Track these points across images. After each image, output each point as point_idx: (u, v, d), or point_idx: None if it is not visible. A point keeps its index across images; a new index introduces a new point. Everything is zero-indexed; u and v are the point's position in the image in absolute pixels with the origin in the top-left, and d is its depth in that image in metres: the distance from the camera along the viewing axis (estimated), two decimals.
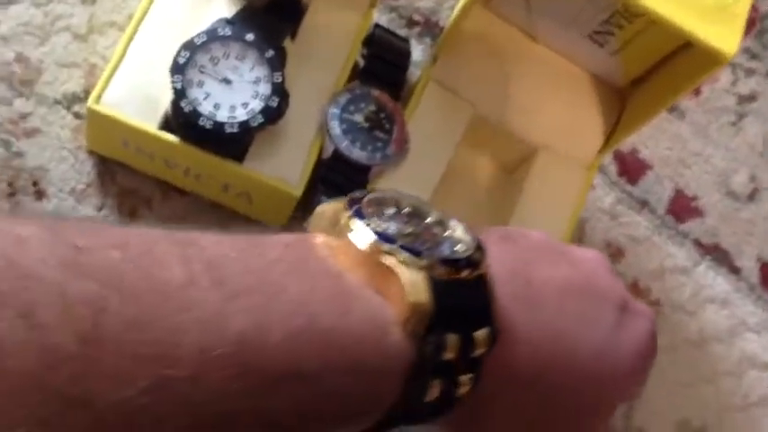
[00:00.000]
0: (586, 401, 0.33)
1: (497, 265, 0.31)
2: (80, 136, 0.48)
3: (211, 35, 0.43)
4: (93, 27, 0.50)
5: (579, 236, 0.56)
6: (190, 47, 0.43)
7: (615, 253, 0.58)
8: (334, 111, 0.46)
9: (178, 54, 0.43)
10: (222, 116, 0.43)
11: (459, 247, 0.30)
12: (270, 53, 0.44)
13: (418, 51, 0.56)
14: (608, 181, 0.59)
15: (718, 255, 0.60)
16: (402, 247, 0.29)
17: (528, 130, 0.51)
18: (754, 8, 0.64)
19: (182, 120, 0.43)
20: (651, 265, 0.58)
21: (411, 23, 0.58)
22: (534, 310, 0.32)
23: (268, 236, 0.29)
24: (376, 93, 0.47)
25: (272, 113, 0.43)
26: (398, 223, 0.30)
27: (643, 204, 0.59)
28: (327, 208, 0.32)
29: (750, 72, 0.66)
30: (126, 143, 0.45)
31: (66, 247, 0.23)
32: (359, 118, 0.47)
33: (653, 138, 0.61)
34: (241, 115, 0.43)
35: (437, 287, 0.28)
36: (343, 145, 0.46)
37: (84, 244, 0.23)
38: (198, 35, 0.43)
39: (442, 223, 0.32)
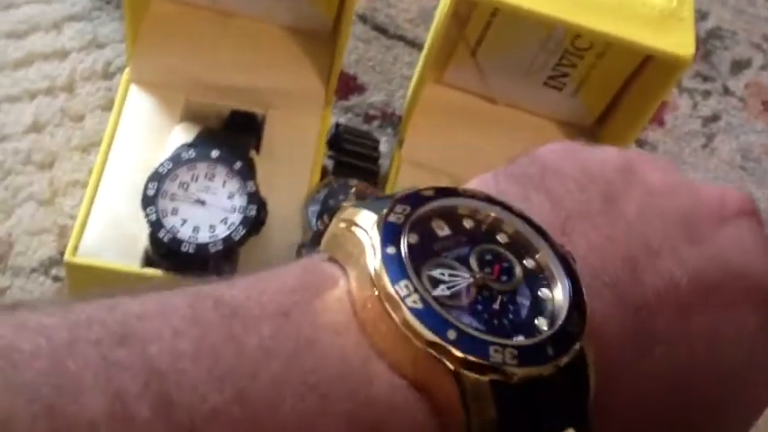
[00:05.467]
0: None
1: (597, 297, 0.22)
2: (63, 297, 0.46)
3: (176, 161, 0.43)
4: (57, 190, 0.49)
5: None
6: (156, 177, 0.42)
7: None
8: (314, 208, 0.45)
9: (146, 187, 0.42)
10: (204, 237, 0.41)
11: (545, 324, 0.21)
12: (238, 165, 0.43)
13: (383, 143, 0.56)
14: None
15: None
16: (460, 341, 0.20)
17: None
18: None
19: (163, 250, 0.42)
20: None
21: (368, 118, 0.58)
22: (645, 354, 0.23)
23: (256, 290, 0.21)
24: (353, 182, 0.47)
25: (253, 222, 0.42)
26: (461, 273, 0.22)
27: None
28: (342, 228, 0.23)
29: (707, 94, 0.67)
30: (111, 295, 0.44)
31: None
32: None
33: None
34: (222, 231, 0.42)
35: (505, 395, 0.20)
36: None
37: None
38: (162, 164, 0.43)
39: (538, 276, 0.23)
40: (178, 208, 0.42)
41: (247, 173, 0.43)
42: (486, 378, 0.19)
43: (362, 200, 0.24)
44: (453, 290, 0.21)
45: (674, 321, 0.24)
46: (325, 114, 0.51)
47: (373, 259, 0.21)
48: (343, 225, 0.22)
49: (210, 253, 0.41)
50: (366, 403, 0.19)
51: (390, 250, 0.21)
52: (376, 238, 0.21)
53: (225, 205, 0.42)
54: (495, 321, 0.21)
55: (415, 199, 0.22)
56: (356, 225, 0.22)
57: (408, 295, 0.20)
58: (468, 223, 0.23)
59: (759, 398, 0.26)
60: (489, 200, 0.23)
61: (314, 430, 0.19)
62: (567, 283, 0.22)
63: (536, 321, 0.21)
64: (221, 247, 0.41)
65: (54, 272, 0.47)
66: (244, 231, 0.42)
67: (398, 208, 0.22)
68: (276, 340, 0.19)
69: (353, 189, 0.46)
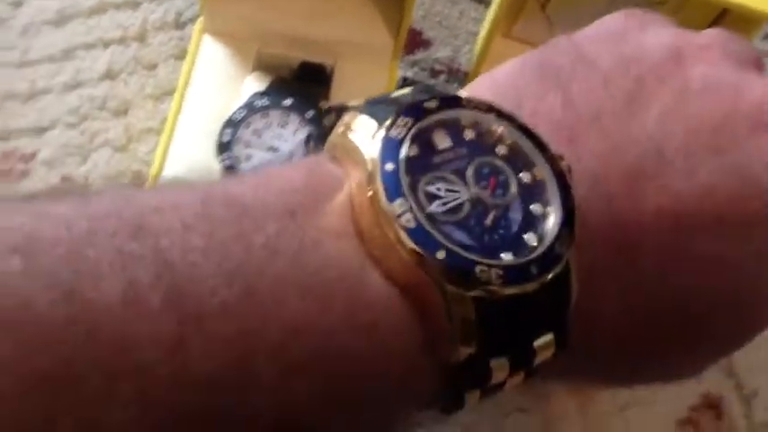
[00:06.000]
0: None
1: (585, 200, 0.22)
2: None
3: (250, 108, 0.43)
4: (131, 136, 0.51)
5: None
6: (231, 124, 0.43)
7: None
8: None
9: (221, 134, 0.43)
10: None
11: (535, 240, 0.22)
12: (310, 113, 0.44)
13: None
14: None
15: None
16: (448, 260, 0.20)
17: None
18: None
19: None
20: None
21: (434, 73, 0.58)
22: (631, 266, 0.23)
23: (254, 193, 0.21)
24: None
25: None
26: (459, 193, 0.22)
27: None
28: (341, 136, 0.23)
29: None
30: None
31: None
32: None
33: None
34: None
35: (487, 310, 0.21)
36: None
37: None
38: (236, 111, 0.43)
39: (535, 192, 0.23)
40: (252, 155, 0.43)
41: (319, 121, 0.44)
42: (470, 294, 0.21)
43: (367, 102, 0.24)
44: (448, 206, 0.22)
45: (669, 240, 0.23)
46: (392, 68, 0.52)
47: (371, 172, 0.21)
48: (341, 129, 0.23)
49: None
50: (363, 305, 0.20)
51: (389, 166, 0.21)
52: (375, 150, 0.22)
53: (297, 153, 0.43)
54: (486, 237, 0.22)
55: (418, 111, 0.23)
56: (354, 132, 0.22)
57: (402, 214, 0.21)
58: (469, 134, 0.23)
59: (754, 320, 0.26)
60: (492, 110, 0.23)
61: (315, 328, 0.19)
62: (558, 199, 0.22)
63: (525, 236, 0.22)
64: None
65: None
66: None
67: (401, 121, 0.22)
68: (281, 239, 0.20)
69: None
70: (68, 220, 0.19)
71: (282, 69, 0.49)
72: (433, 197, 0.22)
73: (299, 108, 0.44)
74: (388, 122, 0.22)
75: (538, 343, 0.22)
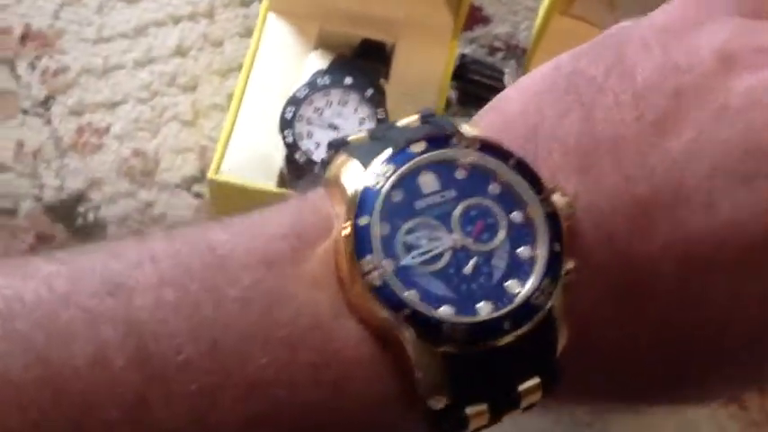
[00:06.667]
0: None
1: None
2: (202, 214, 0.50)
3: (312, 86, 0.45)
4: (198, 112, 0.53)
5: None
6: (294, 101, 0.45)
7: None
8: None
9: (284, 110, 0.45)
10: None
11: (518, 287, 0.21)
12: (369, 92, 0.45)
13: (507, 76, 0.57)
14: None
15: None
16: (413, 317, 0.20)
17: None
18: None
19: (298, 172, 0.44)
20: None
21: (493, 50, 0.58)
22: (635, 313, 0.22)
23: (234, 242, 0.21)
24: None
25: None
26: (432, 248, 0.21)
27: None
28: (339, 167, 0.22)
29: None
30: (249, 209, 0.47)
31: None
32: None
33: None
34: None
35: (456, 364, 0.20)
36: None
37: None
38: (299, 89, 0.45)
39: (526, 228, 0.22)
40: (313, 132, 0.45)
41: (377, 100, 0.45)
42: (438, 349, 0.20)
43: (368, 137, 0.23)
44: (424, 257, 0.21)
45: (676, 285, 0.21)
46: (452, 45, 0.52)
47: (345, 226, 0.21)
48: (336, 166, 0.22)
49: None
50: (332, 356, 0.20)
51: (362, 221, 0.21)
52: (353, 201, 0.21)
53: (356, 130, 0.45)
54: (464, 286, 0.21)
55: (402, 157, 0.22)
56: (344, 173, 0.22)
57: (369, 272, 0.20)
58: (461, 174, 0.22)
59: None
60: (486, 147, 0.22)
61: (280, 381, 0.20)
62: (546, 242, 0.21)
63: (507, 284, 0.21)
64: None
65: (195, 189, 0.51)
66: None
67: (382, 168, 0.22)
68: (255, 291, 0.20)
69: None
70: (51, 282, 0.20)
71: (343, 47, 0.50)
72: (411, 247, 0.21)
73: (358, 87, 0.45)
74: (370, 169, 0.22)
75: (523, 387, 0.21)
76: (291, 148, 0.44)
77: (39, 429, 0.18)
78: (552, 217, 0.22)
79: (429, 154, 0.22)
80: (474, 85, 0.51)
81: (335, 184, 0.22)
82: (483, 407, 0.21)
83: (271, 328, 0.20)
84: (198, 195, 0.51)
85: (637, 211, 0.21)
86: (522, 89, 0.24)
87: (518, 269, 0.21)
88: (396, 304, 0.20)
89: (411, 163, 0.22)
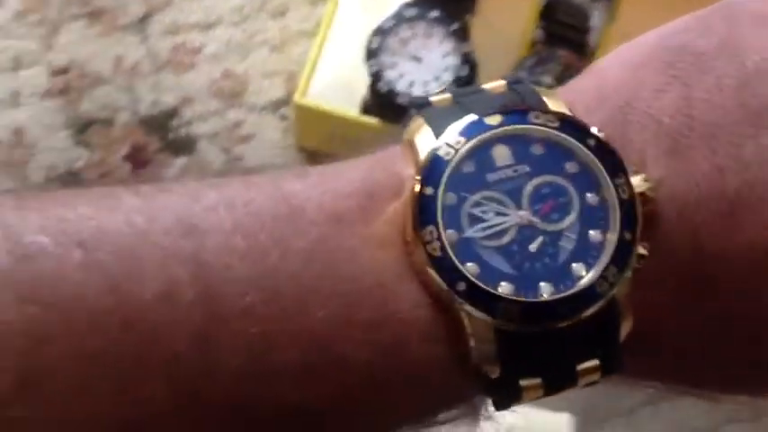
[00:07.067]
0: None
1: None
2: (288, 136, 0.52)
3: (398, 18, 0.46)
4: (287, 38, 0.54)
5: None
6: (380, 32, 0.46)
7: None
8: (522, 74, 0.48)
9: (370, 41, 0.46)
10: (417, 92, 0.45)
11: (584, 270, 0.21)
12: (455, 26, 0.46)
13: (594, 17, 0.56)
14: None
15: None
16: (470, 290, 0.20)
17: None
18: None
19: (380, 101, 0.46)
20: None
21: None
22: (708, 298, 0.22)
23: (306, 196, 0.21)
24: (562, 53, 0.48)
25: (464, 82, 0.45)
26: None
27: None
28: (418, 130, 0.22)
29: None
30: (332, 134, 0.49)
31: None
32: (548, 79, 0.48)
33: None
34: (434, 88, 0.45)
35: (510, 339, 0.21)
36: None
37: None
38: (386, 20, 0.46)
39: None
40: (397, 63, 0.46)
41: (463, 35, 0.46)
42: (490, 324, 0.20)
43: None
44: (489, 231, 0.21)
45: (756, 281, 0.21)
46: None
47: (413, 192, 0.21)
48: (412, 128, 0.22)
49: None
50: (390, 316, 0.20)
51: (428, 190, 0.21)
52: (423, 168, 0.21)
53: (439, 64, 0.46)
54: (527, 264, 0.21)
55: (476, 128, 0.21)
56: (419, 136, 0.21)
57: (430, 242, 0.20)
58: (537, 149, 0.22)
59: None
60: (566, 123, 0.22)
61: (336, 336, 0.20)
62: (617, 232, 0.21)
63: (574, 265, 0.21)
64: None
65: (281, 111, 0.52)
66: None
67: (453, 139, 0.21)
68: (321, 246, 0.21)
69: (561, 59, 0.48)
70: (132, 217, 0.21)
71: None
72: (476, 220, 0.21)
73: (444, 21, 0.46)
74: (442, 139, 0.21)
75: (581, 367, 0.21)
76: (375, 77, 0.45)
77: (107, 355, 0.20)
78: (628, 203, 0.21)
79: (504, 128, 0.21)
80: (560, 25, 0.51)
81: (410, 146, 0.22)
82: (537, 380, 0.21)
83: (333, 283, 0.21)
84: (284, 118, 0.52)
85: (724, 206, 0.21)
86: (621, 58, 0.23)
87: (586, 253, 0.21)
88: (453, 276, 0.20)
89: (484, 135, 0.21)
